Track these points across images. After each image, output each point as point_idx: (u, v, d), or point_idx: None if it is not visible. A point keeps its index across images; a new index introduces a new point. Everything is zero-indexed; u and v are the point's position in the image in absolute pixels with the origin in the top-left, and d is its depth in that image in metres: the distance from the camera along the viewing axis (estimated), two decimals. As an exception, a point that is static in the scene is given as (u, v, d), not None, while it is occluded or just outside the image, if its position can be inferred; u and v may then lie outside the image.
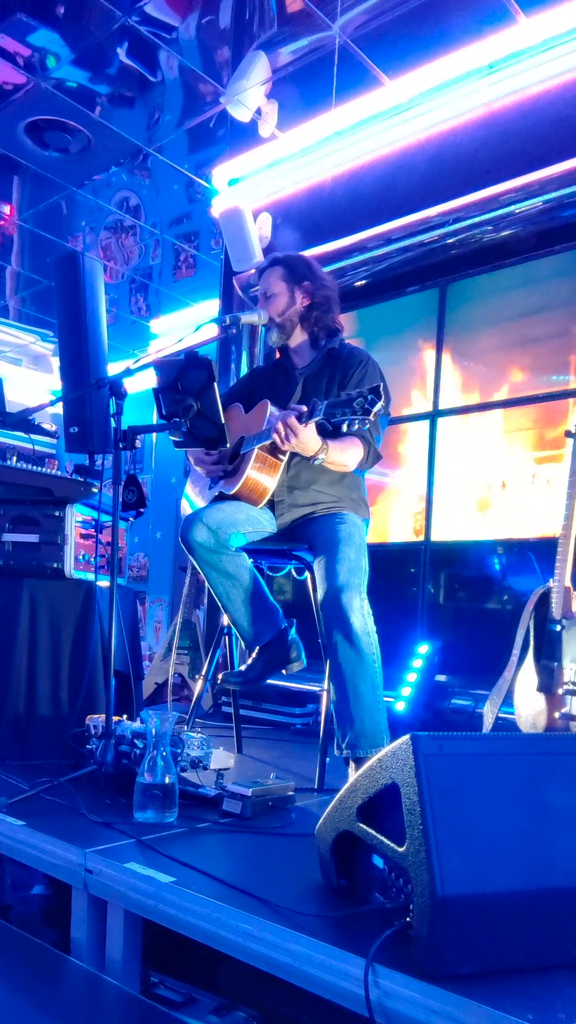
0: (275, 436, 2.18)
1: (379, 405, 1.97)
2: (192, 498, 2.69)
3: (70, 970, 1.54)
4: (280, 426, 2.16)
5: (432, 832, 1.14)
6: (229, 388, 2.90)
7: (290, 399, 2.54)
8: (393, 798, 1.22)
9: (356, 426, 2.03)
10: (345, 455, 2.32)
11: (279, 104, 4.31)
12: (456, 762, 1.20)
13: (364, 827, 1.33)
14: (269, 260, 2.63)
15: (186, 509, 2.71)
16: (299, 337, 2.60)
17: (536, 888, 1.16)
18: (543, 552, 3.50)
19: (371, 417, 1.98)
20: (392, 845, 1.23)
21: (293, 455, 2.39)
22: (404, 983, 1.13)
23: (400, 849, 1.20)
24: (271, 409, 2.44)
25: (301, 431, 2.14)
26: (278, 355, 2.74)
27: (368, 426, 2.07)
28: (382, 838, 1.27)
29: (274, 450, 2.38)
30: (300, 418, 2.13)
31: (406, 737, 1.21)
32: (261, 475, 2.39)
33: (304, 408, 2.14)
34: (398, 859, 1.21)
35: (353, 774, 2.11)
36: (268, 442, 2.32)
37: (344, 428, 2.05)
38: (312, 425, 2.13)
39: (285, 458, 2.41)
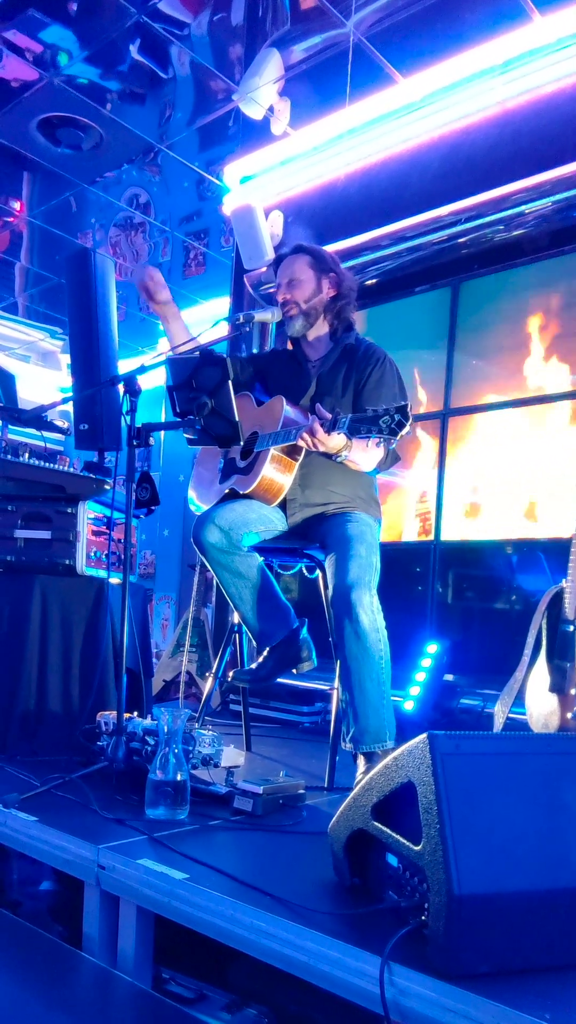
0: (302, 442, 2.20)
1: (407, 428, 1.95)
2: (196, 501, 2.68)
3: (82, 965, 1.54)
4: (307, 436, 2.17)
5: (449, 831, 1.13)
6: (246, 356, 2.85)
7: (303, 394, 2.53)
8: (408, 797, 1.22)
9: (380, 444, 2.02)
10: (367, 455, 2.31)
11: (292, 102, 4.30)
12: (473, 761, 1.20)
13: (379, 826, 1.33)
14: (294, 248, 2.61)
15: (192, 508, 2.71)
16: (320, 328, 2.59)
17: (553, 888, 1.16)
18: (554, 552, 3.50)
19: (397, 438, 1.97)
20: (408, 844, 1.23)
21: (308, 453, 2.39)
22: (420, 981, 1.13)
23: (416, 848, 1.20)
24: (286, 407, 2.43)
25: (324, 438, 2.15)
26: (290, 345, 2.72)
27: (394, 445, 2.06)
28: (398, 837, 1.27)
29: (291, 450, 2.38)
30: (324, 427, 2.13)
31: (423, 736, 1.21)
32: (277, 474, 2.39)
33: (328, 415, 2.14)
34: (414, 858, 1.21)
35: (361, 768, 2.13)
36: (286, 444, 2.32)
37: (368, 444, 2.05)
38: (337, 433, 2.13)
39: (301, 457, 2.41)
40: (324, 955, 1.24)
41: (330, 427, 2.10)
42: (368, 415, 2.01)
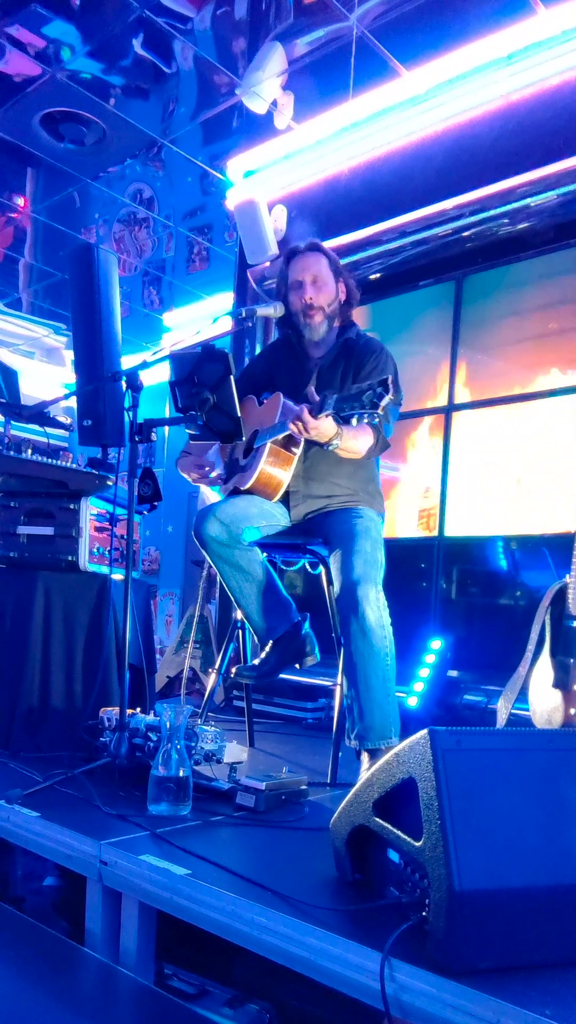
0: (292, 428, 2.19)
1: (387, 399, 1.96)
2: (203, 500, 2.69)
3: (85, 961, 1.54)
4: (297, 421, 2.16)
5: (449, 827, 1.13)
6: (243, 369, 2.88)
7: (304, 390, 2.53)
8: (410, 792, 1.22)
9: (365, 419, 2.03)
10: (357, 442, 2.32)
11: (295, 95, 4.27)
12: (474, 757, 1.20)
13: (380, 821, 1.32)
14: (310, 245, 2.57)
15: (205, 489, 2.71)
16: (326, 327, 2.57)
17: (553, 884, 1.16)
18: (557, 548, 3.49)
19: (379, 411, 1.98)
20: (409, 840, 1.23)
21: (308, 446, 2.39)
22: (420, 977, 1.13)
23: (417, 844, 1.20)
24: (284, 401, 2.43)
25: (315, 423, 2.13)
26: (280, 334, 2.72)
27: (378, 420, 2.07)
28: (398, 832, 1.27)
29: (288, 443, 2.38)
30: (312, 411, 2.12)
31: (424, 732, 1.21)
32: (275, 469, 2.39)
33: (316, 397, 2.14)
34: (415, 854, 1.21)
35: (366, 765, 2.12)
36: (281, 435, 2.32)
37: (354, 422, 2.05)
38: (326, 415, 2.12)
39: (299, 451, 2.41)
40: (325, 951, 1.24)
41: (317, 409, 2.10)
42: (352, 392, 2.02)
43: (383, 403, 1.96)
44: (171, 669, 4.42)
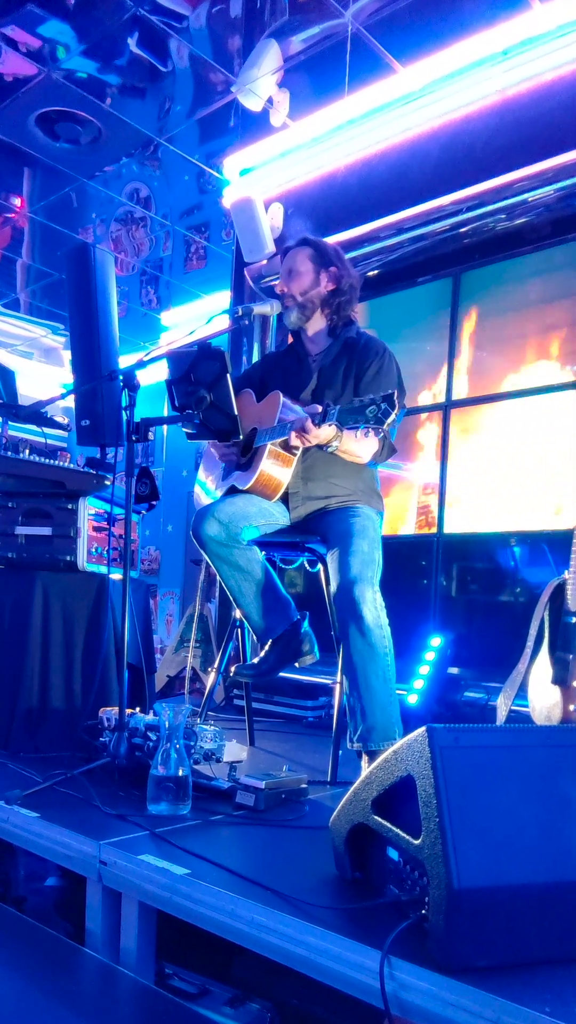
0: (294, 441, 2.21)
1: (392, 416, 1.95)
2: (205, 483, 2.68)
3: (85, 961, 1.54)
4: (301, 434, 2.18)
5: (448, 825, 1.13)
6: (241, 373, 2.88)
7: (304, 388, 2.52)
8: (408, 790, 1.22)
9: (370, 434, 2.02)
10: (360, 445, 2.31)
11: (291, 93, 4.27)
12: (472, 754, 1.19)
13: (379, 819, 1.32)
14: (299, 240, 2.61)
15: (199, 494, 2.70)
16: (317, 323, 2.58)
17: (553, 881, 1.15)
18: (556, 544, 3.48)
19: (384, 427, 1.97)
20: (407, 838, 1.22)
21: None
22: (420, 975, 1.12)
23: (416, 842, 1.19)
24: (283, 401, 2.42)
25: (316, 432, 2.16)
26: (290, 340, 2.72)
27: (382, 434, 2.07)
28: (397, 831, 1.26)
29: (288, 445, 2.37)
30: (314, 419, 2.13)
31: (422, 729, 1.21)
32: (275, 469, 2.38)
33: (319, 408, 2.13)
34: (413, 852, 1.20)
35: (366, 767, 2.12)
36: (282, 439, 2.31)
37: (358, 435, 2.05)
38: (328, 425, 2.13)
39: (299, 452, 2.40)
40: (325, 950, 1.23)
41: (320, 420, 2.10)
42: (355, 405, 2.01)
43: (388, 420, 1.95)
44: (171, 668, 4.42)
